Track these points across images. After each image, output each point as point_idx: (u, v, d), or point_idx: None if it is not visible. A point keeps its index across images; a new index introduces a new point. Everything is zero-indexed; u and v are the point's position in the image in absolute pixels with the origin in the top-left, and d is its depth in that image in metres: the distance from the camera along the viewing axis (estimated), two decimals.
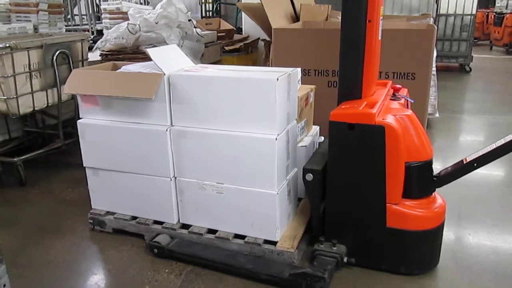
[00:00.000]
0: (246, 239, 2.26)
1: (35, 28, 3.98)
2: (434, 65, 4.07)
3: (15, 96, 3.06)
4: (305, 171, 2.16)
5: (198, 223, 2.40)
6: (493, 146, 1.92)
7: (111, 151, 2.44)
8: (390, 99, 2.26)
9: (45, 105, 3.33)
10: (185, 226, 2.42)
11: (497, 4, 13.21)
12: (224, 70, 2.32)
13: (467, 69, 7.86)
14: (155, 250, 2.31)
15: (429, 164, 2.04)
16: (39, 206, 3.02)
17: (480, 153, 1.95)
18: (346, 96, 2.14)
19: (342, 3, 2.09)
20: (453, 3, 7.46)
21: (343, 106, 2.05)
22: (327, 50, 3.18)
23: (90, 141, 2.49)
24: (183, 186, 2.36)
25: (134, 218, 2.53)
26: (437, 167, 2.15)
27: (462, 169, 2.01)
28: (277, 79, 2.00)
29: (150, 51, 2.33)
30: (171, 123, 2.29)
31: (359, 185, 2.02)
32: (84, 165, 2.56)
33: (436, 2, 7.00)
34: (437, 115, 4.49)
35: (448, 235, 2.46)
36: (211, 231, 2.36)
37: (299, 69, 2.58)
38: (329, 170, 2.07)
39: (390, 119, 1.92)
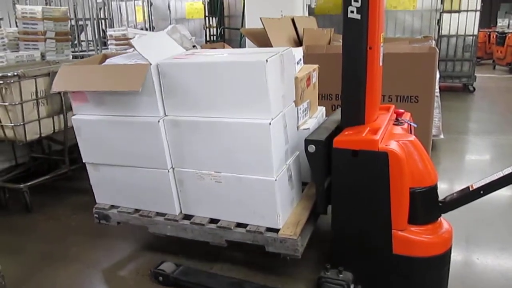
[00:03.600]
0: (248, 228, 2.20)
1: (43, 56, 4.06)
2: (437, 86, 4.09)
3: (22, 123, 3.10)
4: (307, 142, 2.09)
5: (200, 213, 2.34)
6: (500, 174, 1.91)
7: (108, 145, 2.39)
8: (393, 124, 2.27)
9: (52, 132, 3.37)
10: (187, 217, 2.38)
11: (498, 24, 13.34)
12: (215, 55, 2.26)
13: (471, 89, 7.89)
14: (160, 278, 2.30)
15: (433, 189, 2.03)
16: (44, 232, 3.02)
17: (487, 180, 1.95)
18: (349, 122, 2.15)
19: (342, 30, 2.12)
20: (455, 25, 7.52)
21: (346, 133, 2.06)
22: (330, 74, 3.19)
23: (86, 137, 2.44)
24: (181, 176, 2.31)
25: (137, 211, 2.49)
26: (443, 187, 2.14)
27: (468, 196, 2.01)
28: (267, 60, 1.95)
29: (134, 42, 2.26)
30: (164, 113, 2.23)
31: (364, 211, 2.01)
32: (83, 161, 2.53)
33: (438, 23, 7.07)
34: (441, 136, 4.48)
35: (456, 260, 2.43)
36: (214, 221, 2.31)
37: (299, 49, 2.51)
38: (334, 196, 2.07)
39: (393, 145, 1.93)
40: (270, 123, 2.00)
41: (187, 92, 2.15)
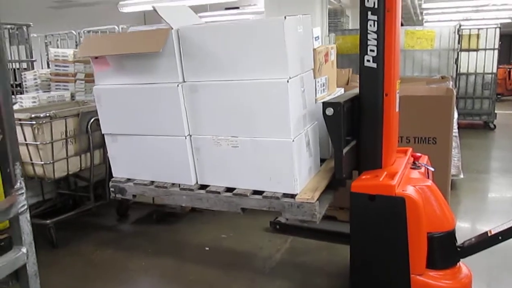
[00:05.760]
0: (264, 194, 2.18)
1: (72, 96, 4.25)
2: (455, 126, 4.12)
3: (51, 161, 3.23)
4: (325, 105, 2.10)
5: (216, 182, 2.34)
6: None
7: (126, 114, 2.44)
8: (411, 168, 2.31)
9: (79, 169, 3.49)
10: (203, 188, 2.37)
11: None
12: (234, 20, 2.36)
13: (491, 126, 7.83)
14: None
15: (451, 234, 2.05)
16: (69, 268, 3.09)
17: (506, 226, 1.96)
18: (367, 166, 2.21)
19: (359, 77, 2.22)
20: (473, 63, 7.57)
21: (364, 177, 2.11)
22: None
23: (106, 107, 2.50)
24: (198, 143, 2.32)
25: (153, 183, 2.50)
26: (464, 227, 2.13)
27: (486, 241, 2.02)
28: (285, 17, 2.00)
29: (158, 8, 2.33)
30: (183, 79, 2.28)
31: (382, 255, 2.04)
32: (102, 132, 2.59)
33: (456, 62, 7.13)
34: (461, 176, 4.45)
35: None
36: (229, 190, 2.29)
37: (318, 28, 2.61)
38: (353, 240, 2.10)
39: (410, 190, 1.97)
40: (288, 81, 2.02)
41: (206, 55, 2.19)
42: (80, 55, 2.50)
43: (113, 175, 2.65)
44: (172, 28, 2.21)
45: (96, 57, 2.44)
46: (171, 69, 2.26)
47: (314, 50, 2.47)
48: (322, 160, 2.52)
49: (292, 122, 2.08)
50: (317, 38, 2.61)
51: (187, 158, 2.35)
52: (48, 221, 3.41)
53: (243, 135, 2.20)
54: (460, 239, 2.16)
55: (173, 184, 2.44)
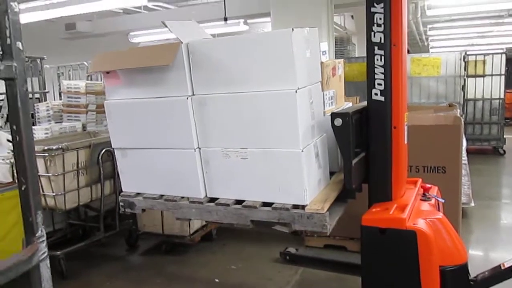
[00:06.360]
0: (273, 206, 2.15)
1: (84, 127, 4.32)
2: (464, 154, 4.11)
3: (63, 193, 3.27)
4: (334, 115, 2.10)
5: (225, 195, 2.32)
6: None
7: (136, 128, 2.45)
8: (421, 200, 2.31)
9: (89, 200, 3.52)
10: (212, 201, 2.35)
11: None
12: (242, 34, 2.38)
13: (501, 151, 7.79)
14: None
15: (464, 267, 2.03)
16: None
17: None
18: (377, 198, 2.21)
19: (368, 109, 2.24)
20: (480, 89, 7.59)
21: (374, 210, 2.11)
22: None
23: (116, 121, 2.51)
24: (207, 156, 2.31)
25: (162, 196, 2.48)
26: (477, 257, 2.10)
27: (499, 275, 2.00)
28: (292, 29, 2.02)
29: (168, 23, 2.36)
30: (192, 92, 2.29)
31: None
32: (112, 147, 2.59)
33: (463, 89, 7.16)
34: (472, 204, 4.40)
35: None
36: (239, 203, 2.27)
37: (325, 43, 2.63)
38: (363, 274, 2.09)
39: (421, 224, 1.96)
40: (296, 91, 2.03)
41: (215, 68, 2.20)
42: (91, 70, 2.52)
43: (122, 190, 2.66)
44: (182, 42, 2.26)
45: (108, 72, 2.49)
46: (181, 83, 2.29)
47: (322, 63, 2.50)
48: (331, 174, 2.51)
49: (301, 132, 2.09)
50: (324, 53, 2.65)
51: (196, 171, 2.35)
52: (58, 252, 3.42)
53: (252, 146, 2.21)
54: (473, 270, 2.14)
55: (182, 197, 2.44)
